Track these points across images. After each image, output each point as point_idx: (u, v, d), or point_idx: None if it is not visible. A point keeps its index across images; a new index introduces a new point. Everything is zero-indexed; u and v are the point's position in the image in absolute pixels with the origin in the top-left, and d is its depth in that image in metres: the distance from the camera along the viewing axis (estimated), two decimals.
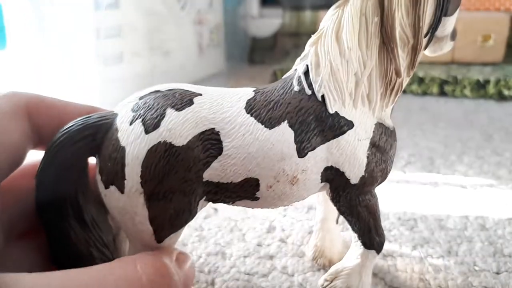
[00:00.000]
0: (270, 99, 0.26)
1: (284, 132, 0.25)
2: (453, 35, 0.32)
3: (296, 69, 0.28)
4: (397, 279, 0.36)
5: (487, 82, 0.91)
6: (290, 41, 1.35)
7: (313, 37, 0.28)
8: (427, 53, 0.32)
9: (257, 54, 1.36)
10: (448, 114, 0.82)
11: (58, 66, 0.68)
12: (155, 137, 0.22)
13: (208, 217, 0.47)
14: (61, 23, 0.65)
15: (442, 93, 0.94)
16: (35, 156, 0.26)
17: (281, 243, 0.41)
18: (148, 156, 0.22)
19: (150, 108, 0.23)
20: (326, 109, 0.26)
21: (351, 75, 0.27)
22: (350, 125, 0.27)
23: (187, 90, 0.25)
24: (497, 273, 0.36)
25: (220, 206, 0.49)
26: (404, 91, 0.98)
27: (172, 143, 0.22)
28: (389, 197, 0.50)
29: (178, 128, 0.23)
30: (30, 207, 0.24)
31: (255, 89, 0.27)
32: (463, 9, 1.17)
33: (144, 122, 0.22)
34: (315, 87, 0.26)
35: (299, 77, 0.27)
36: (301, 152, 0.25)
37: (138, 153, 0.22)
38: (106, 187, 0.23)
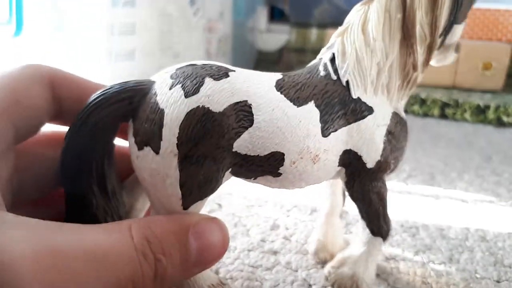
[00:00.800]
0: (297, 81, 0.28)
1: (311, 111, 0.27)
2: (457, 48, 0.34)
3: (321, 58, 0.29)
4: (399, 280, 0.36)
5: (487, 107, 0.93)
6: (295, 57, 1.38)
7: (340, 29, 0.30)
8: (433, 62, 0.33)
9: (262, 67, 1.38)
10: (448, 135, 0.84)
11: (70, 57, 0.69)
12: (194, 101, 0.23)
13: (212, 211, 0.47)
14: (78, 16, 0.66)
15: (443, 116, 0.96)
16: (51, 127, 0.26)
17: (285, 240, 0.41)
18: (187, 118, 0.22)
19: (189, 76, 0.24)
20: (350, 94, 0.28)
21: (374, 64, 0.29)
22: (370, 110, 0.28)
23: (222, 65, 0.26)
24: (498, 282, 0.37)
25: (224, 202, 0.49)
26: (406, 111, 1.00)
27: (210, 108, 0.23)
28: (391, 205, 0.50)
29: (216, 95, 0.23)
30: (42, 175, 0.24)
31: (282, 73, 0.28)
32: (467, 37, 1.20)
33: (183, 87, 0.23)
34: (341, 72, 0.28)
35: (325, 63, 0.29)
36: (325, 132, 0.27)
37: (177, 115, 0.22)
38: (140, 148, 0.23)
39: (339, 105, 0.27)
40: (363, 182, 0.30)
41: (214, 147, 0.23)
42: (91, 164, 0.23)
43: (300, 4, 1.36)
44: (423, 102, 0.97)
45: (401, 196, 0.54)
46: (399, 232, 0.44)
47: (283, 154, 0.26)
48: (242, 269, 0.37)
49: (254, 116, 0.25)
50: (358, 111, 0.28)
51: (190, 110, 0.23)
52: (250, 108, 0.24)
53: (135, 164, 0.24)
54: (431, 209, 0.50)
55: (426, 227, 0.46)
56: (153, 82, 0.24)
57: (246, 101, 0.24)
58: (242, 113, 0.24)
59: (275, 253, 0.39)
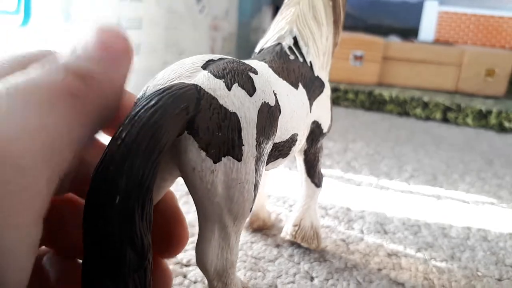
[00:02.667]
0: (281, 66, 0.30)
1: (303, 92, 0.30)
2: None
3: (279, 43, 0.33)
4: (401, 276, 0.37)
5: (489, 112, 0.93)
6: None
7: (290, 17, 0.34)
8: None
9: None
10: (450, 138, 0.84)
11: None
12: (258, 99, 0.22)
13: None
14: (86, 7, 0.67)
15: (445, 120, 0.96)
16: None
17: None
18: (259, 117, 0.22)
19: (235, 73, 0.22)
20: (313, 73, 0.33)
21: (324, 45, 0.35)
22: (323, 84, 0.34)
23: (235, 58, 0.25)
24: (499, 280, 0.37)
25: None
26: (408, 114, 1.01)
27: (269, 103, 0.23)
28: (393, 204, 0.51)
29: (267, 89, 0.23)
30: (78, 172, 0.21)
31: (257, 60, 0.30)
32: (470, 43, 1.21)
33: (241, 86, 0.21)
34: (306, 55, 0.33)
35: (291, 47, 0.32)
36: (310, 108, 0.31)
37: (251, 116, 0.21)
38: (217, 160, 0.20)
39: (310, 83, 0.32)
40: (316, 145, 0.35)
41: (272, 141, 0.23)
42: (145, 201, 0.17)
43: None
44: (425, 105, 0.97)
45: (403, 195, 0.54)
46: (401, 230, 0.45)
47: (297, 135, 0.28)
48: (245, 260, 0.37)
49: (280, 104, 0.25)
50: (319, 86, 0.33)
51: (259, 109, 0.22)
52: (276, 96, 0.25)
53: (203, 181, 0.20)
54: (433, 208, 0.51)
55: (428, 226, 0.46)
56: (191, 85, 0.20)
57: (274, 90, 0.25)
58: (277, 103, 0.24)
59: (277, 246, 0.39)
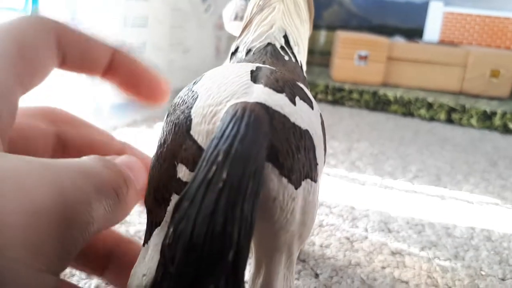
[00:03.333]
0: (285, 69, 0.26)
1: (308, 92, 0.29)
2: None
3: (270, 42, 0.29)
4: (405, 274, 0.37)
5: (493, 114, 0.93)
6: None
7: (275, 15, 0.30)
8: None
9: None
10: (454, 139, 0.84)
11: None
12: (318, 111, 0.20)
13: None
14: (92, 6, 0.67)
15: (449, 121, 0.96)
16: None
17: None
18: (323, 131, 0.20)
19: (290, 85, 0.19)
20: (303, 73, 0.32)
21: (306, 42, 0.34)
22: (308, 86, 0.34)
23: (269, 66, 0.22)
24: (503, 279, 0.37)
25: None
26: (412, 115, 1.01)
27: (321, 113, 0.21)
28: (397, 203, 0.51)
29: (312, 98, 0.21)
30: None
31: (244, 60, 0.27)
32: (475, 44, 1.21)
33: (302, 99, 0.19)
34: (297, 55, 0.31)
35: (283, 47, 0.29)
36: None
37: (319, 132, 0.19)
38: (298, 186, 0.17)
39: (303, 82, 0.29)
40: None
41: None
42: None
43: None
44: (430, 106, 0.97)
45: (407, 195, 0.54)
46: (405, 229, 0.45)
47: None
48: (250, 257, 0.37)
49: None
50: (307, 83, 0.31)
51: (321, 122, 0.20)
52: None
53: (284, 210, 0.17)
54: (437, 208, 0.51)
55: (432, 225, 0.46)
56: (257, 104, 0.17)
57: None
58: None
59: None
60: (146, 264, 0.17)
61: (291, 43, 0.30)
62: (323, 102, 1.05)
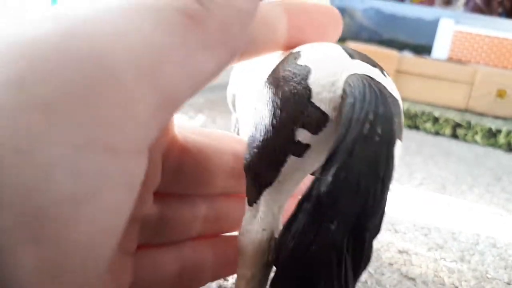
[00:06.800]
0: None
1: None
2: None
3: None
4: (412, 271, 0.37)
5: (498, 131, 0.94)
6: None
7: None
8: None
9: None
10: (459, 154, 0.85)
11: None
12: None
13: None
14: None
15: (454, 136, 0.97)
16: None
17: None
18: None
19: (372, 61, 0.20)
20: None
21: None
22: None
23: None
24: (508, 284, 0.37)
25: None
26: (417, 128, 1.01)
27: None
28: (404, 206, 0.51)
29: None
30: None
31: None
32: (483, 63, 1.22)
33: (385, 75, 0.21)
34: None
35: None
36: None
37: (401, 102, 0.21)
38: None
39: None
40: None
41: None
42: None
43: None
44: (435, 120, 0.98)
45: (413, 199, 0.54)
46: (412, 230, 0.45)
47: None
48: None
49: None
50: None
51: None
52: None
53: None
54: (443, 213, 0.51)
55: (438, 229, 0.46)
56: (366, 75, 0.18)
57: None
58: None
59: None
60: (263, 220, 0.19)
61: None
62: None
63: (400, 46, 1.27)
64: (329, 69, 0.19)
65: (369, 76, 0.18)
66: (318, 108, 0.17)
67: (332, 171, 0.14)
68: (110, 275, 0.15)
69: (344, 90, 0.17)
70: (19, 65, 0.10)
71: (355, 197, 0.14)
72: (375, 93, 0.16)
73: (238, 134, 0.23)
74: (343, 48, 0.20)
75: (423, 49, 1.26)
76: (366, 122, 0.15)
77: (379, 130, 0.15)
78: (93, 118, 0.10)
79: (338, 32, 0.22)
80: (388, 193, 0.15)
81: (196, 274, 0.22)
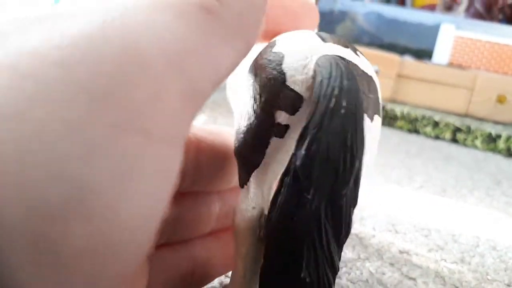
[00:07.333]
0: None
1: None
2: None
3: None
4: (413, 271, 0.37)
5: (498, 136, 0.94)
6: None
7: None
8: None
9: None
10: (459, 157, 0.85)
11: None
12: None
13: None
14: None
15: (454, 140, 0.98)
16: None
17: None
18: None
19: (348, 43, 0.22)
20: None
21: None
22: None
23: None
24: (509, 285, 0.37)
25: None
26: (418, 132, 1.02)
27: None
28: (404, 208, 0.51)
29: None
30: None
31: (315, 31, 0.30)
32: (483, 69, 1.23)
33: (361, 54, 0.22)
34: None
35: None
36: None
37: (377, 80, 0.22)
38: (371, 120, 0.20)
39: None
40: None
41: None
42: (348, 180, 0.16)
43: (324, 20, 1.39)
44: (436, 124, 0.99)
45: (413, 201, 0.55)
46: (412, 231, 0.45)
47: None
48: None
49: None
50: None
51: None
52: None
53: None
54: (443, 216, 0.51)
55: (438, 231, 0.46)
56: (335, 55, 0.20)
57: None
58: None
59: None
60: (252, 199, 0.20)
61: None
62: None
63: (401, 50, 1.28)
64: (301, 53, 0.20)
65: (339, 56, 0.19)
66: (293, 90, 0.19)
67: (305, 145, 0.15)
68: (131, 279, 0.15)
69: (314, 71, 0.18)
70: (66, 50, 0.11)
71: (326, 167, 0.15)
72: (341, 69, 0.17)
73: None
74: (317, 34, 0.22)
75: (424, 54, 1.27)
76: (333, 97, 0.16)
77: (343, 104, 0.16)
78: (128, 101, 0.11)
79: (315, 23, 0.23)
80: (360, 162, 0.16)
81: (207, 271, 0.22)
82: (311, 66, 0.19)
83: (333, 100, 0.16)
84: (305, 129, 0.16)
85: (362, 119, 0.16)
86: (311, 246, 0.15)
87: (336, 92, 0.16)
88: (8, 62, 0.10)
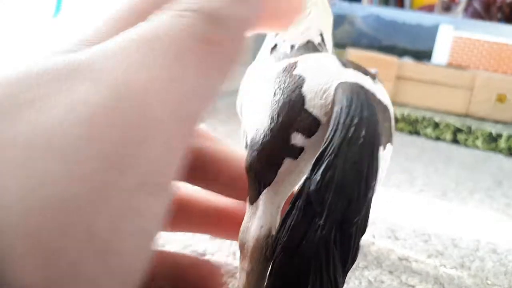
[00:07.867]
0: None
1: None
2: None
3: (309, 40, 0.33)
4: (412, 278, 0.37)
5: (499, 136, 0.94)
6: None
7: (313, 18, 0.34)
8: None
9: None
10: (459, 159, 0.85)
11: None
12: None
13: None
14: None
15: (455, 141, 0.97)
16: None
17: None
18: None
19: (367, 71, 0.23)
20: None
21: (331, 37, 0.35)
22: None
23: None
24: None
25: None
26: (418, 133, 1.02)
27: None
28: (404, 213, 0.51)
29: None
30: None
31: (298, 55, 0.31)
32: (483, 68, 1.23)
33: (379, 82, 0.23)
34: (329, 50, 0.33)
35: (320, 44, 0.33)
36: None
37: (392, 109, 0.23)
38: (384, 148, 0.21)
39: None
40: None
41: None
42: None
43: None
44: (436, 125, 0.99)
45: (413, 206, 0.55)
46: (412, 237, 0.45)
47: None
48: None
49: None
50: None
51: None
52: None
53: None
54: (443, 220, 0.51)
55: (438, 235, 0.47)
56: (355, 83, 0.20)
57: None
58: None
59: None
60: (261, 218, 0.20)
61: (325, 40, 0.34)
62: None
63: (400, 52, 1.28)
64: (322, 78, 0.20)
65: (358, 84, 0.19)
66: (311, 114, 0.19)
67: (320, 170, 0.16)
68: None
69: (333, 97, 0.18)
70: (83, 127, 0.10)
71: (340, 195, 0.15)
72: (362, 99, 0.18)
73: (246, 146, 0.24)
74: (338, 58, 0.22)
75: (423, 55, 1.27)
76: (351, 126, 0.16)
77: (363, 133, 0.16)
78: (145, 161, 0.11)
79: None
80: (373, 191, 0.16)
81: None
82: (331, 91, 0.19)
83: (352, 129, 0.16)
84: (321, 154, 0.16)
85: (378, 150, 0.17)
86: (317, 271, 0.16)
87: (355, 121, 0.16)
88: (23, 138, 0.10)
